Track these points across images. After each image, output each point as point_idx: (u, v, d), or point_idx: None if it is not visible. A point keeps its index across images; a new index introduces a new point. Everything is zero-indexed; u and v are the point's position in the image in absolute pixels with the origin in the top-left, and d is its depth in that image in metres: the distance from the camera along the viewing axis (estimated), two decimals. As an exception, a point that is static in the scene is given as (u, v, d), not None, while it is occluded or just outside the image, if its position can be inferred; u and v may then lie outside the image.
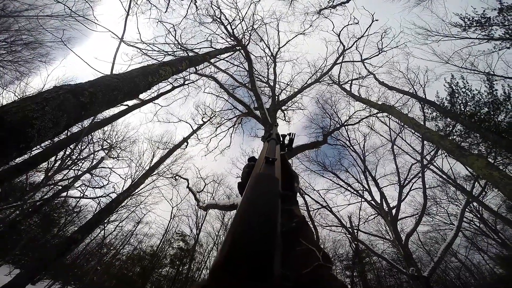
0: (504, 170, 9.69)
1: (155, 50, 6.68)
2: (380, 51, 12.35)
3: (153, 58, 6.57)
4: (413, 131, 12.11)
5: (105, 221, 18.69)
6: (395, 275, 21.91)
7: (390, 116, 12.05)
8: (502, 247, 14.98)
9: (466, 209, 12.59)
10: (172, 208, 25.09)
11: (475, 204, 14.60)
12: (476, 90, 9.23)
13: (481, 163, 6.57)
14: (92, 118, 8.71)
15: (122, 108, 10.09)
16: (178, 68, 3.79)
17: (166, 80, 10.71)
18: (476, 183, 11.57)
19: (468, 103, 9.31)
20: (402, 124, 12.72)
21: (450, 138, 10.21)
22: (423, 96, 11.45)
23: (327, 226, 17.93)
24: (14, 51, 14.63)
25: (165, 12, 7.68)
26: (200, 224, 25.15)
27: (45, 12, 13.19)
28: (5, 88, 14.43)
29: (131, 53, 6.23)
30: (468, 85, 9.45)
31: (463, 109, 9.35)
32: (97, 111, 2.74)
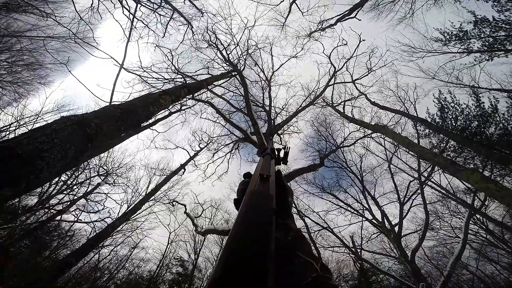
0: (501, 181, 9.78)
1: (154, 78, 6.92)
2: (369, 71, 12.91)
3: (152, 86, 6.79)
4: (407, 150, 12.33)
5: (100, 245, 17.76)
6: None
7: (385, 136, 12.30)
8: None
9: (470, 222, 12.39)
10: (170, 233, 24.60)
11: (478, 215, 14.35)
12: (464, 104, 9.42)
13: (476, 177, 6.67)
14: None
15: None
16: (177, 96, 3.95)
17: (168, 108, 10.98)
18: (476, 195, 11.48)
19: (458, 118, 9.46)
20: (397, 143, 12.97)
21: (445, 154, 10.38)
22: (415, 113, 11.78)
23: (329, 247, 17.64)
24: (14, 72, 14.57)
25: (163, 37, 8.08)
26: (198, 250, 24.57)
27: (46, 33, 13.29)
28: (3, 109, 14.02)
29: (131, 79, 6.44)
30: (456, 99, 9.65)
31: (454, 123, 9.53)
32: (101, 141, 2.82)
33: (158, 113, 10.43)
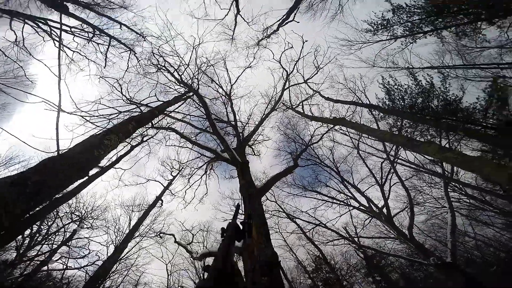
0: (458, 146, 10.62)
1: (100, 115, 6.53)
2: (318, 69, 13.62)
3: (97, 126, 6.38)
4: (368, 136, 13.01)
5: None
6: (420, 268, 20.19)
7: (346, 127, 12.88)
8: (506, 216, 15.16)
9: (449, 190, 12.92)
10: (166, 265, 23.82)
11: (454, 183, 15.10)
12: (406, 84, 10.27)
13: (433, 148, 7.09)
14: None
15: (81, 181, 9.50)
16: (126, 132, 3.76)
17: (127, 142, 10.47)
18: (443, 164, 12.17)
19: (404, 97, 10.25)
20: (358, 132, 13.64)
21: (403, 131, 11.09)
22: (367, 101, 12.58)
23: (328, 243, 17.86)
24: None
25: (105, 67, 7.74)
26: (201, 275, 23.83)
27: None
28: None
29: (76, 122, 5.91)
30: (398, 82, 10.46)
31: (402, 103, 10.31)
32: (49, 196, 2.58)
33: (110, 153, 9.99)
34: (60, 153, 2.89)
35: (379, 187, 14.59)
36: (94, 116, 6.27)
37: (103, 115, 6.56)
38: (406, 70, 10.63)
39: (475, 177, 14.68)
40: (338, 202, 17.08)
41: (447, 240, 11.05)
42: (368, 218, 16.17)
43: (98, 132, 3.33)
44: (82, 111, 5.81)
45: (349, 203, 16.85)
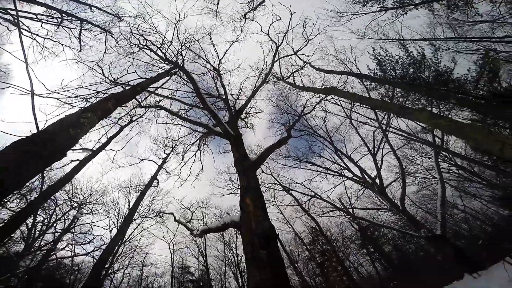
0: (448, 115, 10.74)
1: (74, 96, 6.25)
2: (307, 41, 13.07)
3: (74, 107, 6.15)
4: (360, 104, 12.92)
5: (109, 271, 18.83)
6: (411, 241, 21.29)
7: (337, 96, 12.76)
8: (492, 188, 15.52)
9: (439, 159, 13.31)
10: (168, 244, 24.93)
11: (444, 153, 15.26)
12: (397, 55, 10.20)
13: (425, 115, 7.08)
14: (41, 186, 8.03)
15: (73, 165, 9.45)
16: (105, 111, 3.60)
17: (114, 123, 10.25)
18: (434, 132, 12.36)
19: (396, 68, 10.20)
20: (350, 101, 13.51)
21: (395, 100, 11.07)
22: (358, 71, 12.38)
23: (324, 214, 18.25)
24: None
25: (80, 51, 7.36)
26: (203, 251, 25.20)
27: None
28: None
29: (55, 105, 5.66)
30: (389, 53, 10.38)
31: (394, 74, 10.23)
32: (17, 185, 2.49)
33: (105, 129, 9.80)
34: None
35: (371, 156, 14.85)
36: (70, 97, 6.01)
37: (80, 95, 6.30)
38: (397, 42, 10.57)
39: (465, 147, 15.02)
40: (332, 173, 17.37)
41: (437, 212, 11.43)
42: (362, 188, 16.64)
43: (73, 113, 3.16)
44: (57, 93, 5.55)
45: (343, 173, 17.14)
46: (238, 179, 6.53)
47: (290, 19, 12.51)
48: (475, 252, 13.11)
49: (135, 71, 8.61)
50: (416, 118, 7.71)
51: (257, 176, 6.37)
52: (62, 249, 16.18)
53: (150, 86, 7.51)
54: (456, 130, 5.61)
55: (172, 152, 13.92)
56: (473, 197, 17.40)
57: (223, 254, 26.27)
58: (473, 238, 15.66)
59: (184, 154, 12.30)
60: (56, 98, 5.51)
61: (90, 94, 6.53)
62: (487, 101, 8.20)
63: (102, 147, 10.06)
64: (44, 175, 7.81)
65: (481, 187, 16.43)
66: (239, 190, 5.67)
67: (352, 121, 16.11)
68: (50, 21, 6.76)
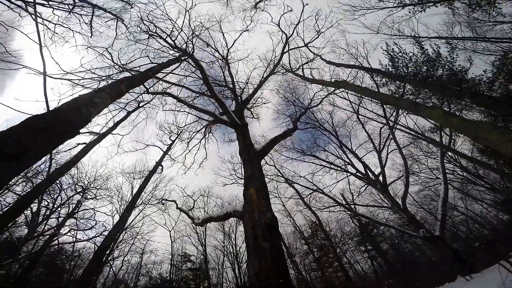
0: (459, 115, 10.59)
1: (90, 78, 6.25)
2: (319, 33, 12.77)
3: (87, 88, 6.14)
4: (370, 99, 12.73)
5: (109, 258, 19.04)
6: (409, 240, 21.78)
7: (347, 90, 12.58)
8: (495, 193, 15.38)
9: (445, 160, 13.15)
10: (169, 232, 25.11)
11: (450, 153, 15.14)
12: (411, 52, 10.01)
13: (438, 112, 6.98)
14: (48, 168, 8.15)
15: (79, 148, 9.53)
16: (118, 92, 3.59)
17: (122, 108, 10.27)
18: (442, 132, 12.25)
19: (409, 65, 10.04)
20: (359, 95, 13.31)
21: (405, 97, 10.90)
22: (369, 66, 12.14)
23: (325, 209, 18.15)
24: None
25: (91, 36, 7.31)
26: (203, 240, 25.34)
27: None
28: None
29: (67, 86, 5.73)
30: (403, 49, 10.20)
31: (406, 71, 10.06)
32: (32, 161, 2.50)
33: (112, 113, 9.81)
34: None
35: (376, 153, 14.75)
36: (83, 78, 6.01)
37: (93, 78, 6.29)
38: (412, 39, 10.37)
39: (472, 148, 14.91)
40: (336, 168, 17.27)
41: (437, 213, 11.39)
42: (364, 185, 16.54)
43: (87, 92, 3.15)
44: (70, 74, 5.54)
45: (346, 169, 17.05)
46: (242, 169, 6.53)
47: (302, 10, 12.18)
48: (471, 254, 13.18)
49: (147, 56, 8.54)
50: (428, 115, 7.58)
51: (262, 167, 6.35)
52: (65, 234, 16.30)
53: (160, 71, 7.47)
54: (468, 129, 5.51)
55: (177, 139, 13.95)
56: (474, 200, 17.32)
57: (222, 244, 26.60)
58: (470, 240, 15.68)
59: (189, 141, 12.36)
60: (69, 80, 5.49)
61: (101, 77, 6.51)
62: (501, 102, 8.06)
63: (109, 131, 10.11)
64: (52, 157, 7.89)
65: (484, 190, 16.28)
66: (242, 180, 5.66)
67: (359, 116, 15.96)
68: (62, 8, 6.70)
